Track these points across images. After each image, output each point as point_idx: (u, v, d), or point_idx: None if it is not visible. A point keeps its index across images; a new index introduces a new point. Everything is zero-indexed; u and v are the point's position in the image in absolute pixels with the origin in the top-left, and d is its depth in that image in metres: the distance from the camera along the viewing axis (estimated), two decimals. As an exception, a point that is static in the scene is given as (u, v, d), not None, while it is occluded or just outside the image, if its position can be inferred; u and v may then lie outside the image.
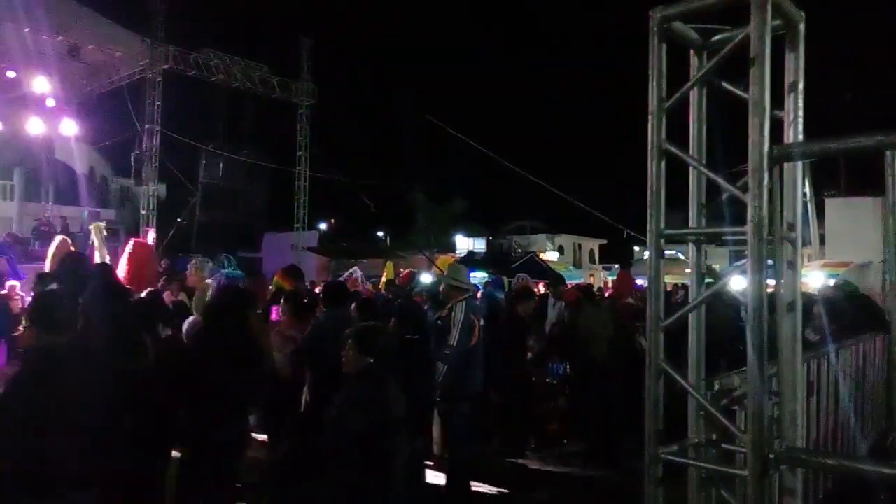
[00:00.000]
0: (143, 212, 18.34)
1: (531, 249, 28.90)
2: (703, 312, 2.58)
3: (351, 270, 13.63)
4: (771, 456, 2.07)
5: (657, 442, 2.25)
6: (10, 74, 16.03)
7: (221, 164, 20.18)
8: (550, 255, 31.34)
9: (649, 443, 2.26)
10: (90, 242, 7.76)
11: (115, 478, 3.39)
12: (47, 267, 6.29)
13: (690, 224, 2.61)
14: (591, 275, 33.50)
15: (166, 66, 17.23)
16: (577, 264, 35.55)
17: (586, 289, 7.85)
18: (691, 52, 2.64)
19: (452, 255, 28.02)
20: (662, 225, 2.36)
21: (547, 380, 7.03)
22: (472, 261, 21.98)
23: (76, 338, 3.29)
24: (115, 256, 12.00)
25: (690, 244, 2.62)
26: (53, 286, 4.56)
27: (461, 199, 33.01)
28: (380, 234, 39.13)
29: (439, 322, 5.39)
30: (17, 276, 9.49)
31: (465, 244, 33.20)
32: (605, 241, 38.51)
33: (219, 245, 18.22)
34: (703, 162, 2.55)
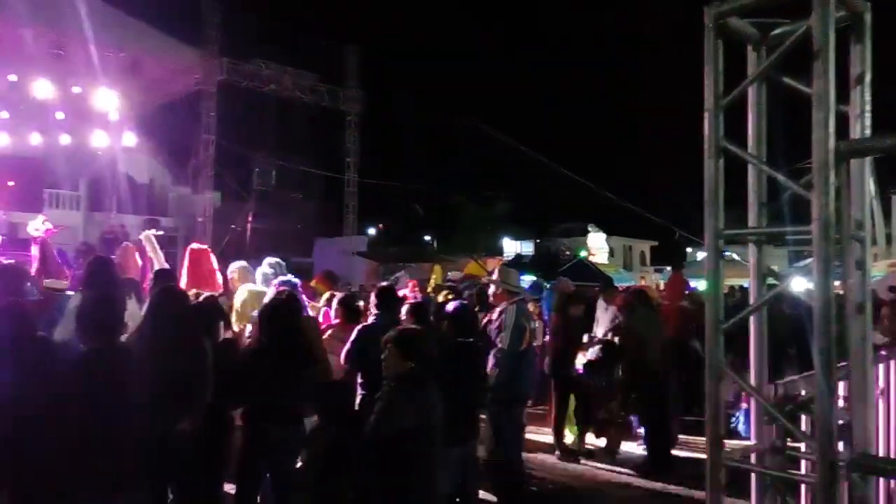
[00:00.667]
0: (199, 219, 18.97)
1: (581, 251, 28.58)
2: (765, 314, 2.51)
3: (398, 275, 13.75)
4: (841, 463, 1.99)
5: (720, 447, 2.20)
6: (76, 90, 16.80)
7: (274, 172, 20.68)
8: (600, 258, 30.89)
9: (711, 448, 2.21)
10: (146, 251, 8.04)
11: (172, 477, 3.53)
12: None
13: (750, 224, 2.55)
14: (643, 277, 32.85)
15: (220, 79, 17.80)
16: (628, 267, 34.93)
17: (640, 292, 7.70)
18: (749, 47, 2.58)
19: (499, 258, 27.95)
20: (721, 224, 2.31)
21: (602, 384, 6.93)
22: (519, 264, 21.86)
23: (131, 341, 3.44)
24: (174, 263, 12.44)
25: (750, 244, 2.55)
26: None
27: (508, 201, 32.86)
28: (427, 238, 39.36)
29: (490, 326, 5.40)
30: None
31: (512, 247, 33.06)
32: (656, 243, 37.71)
33: (272, 251, 18.67)
34: (763, 160, 2.48)
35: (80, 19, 13.84)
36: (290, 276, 7.02)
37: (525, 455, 5.68)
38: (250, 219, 20.13)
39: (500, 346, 5.10)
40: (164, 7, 19.15)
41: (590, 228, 29.14)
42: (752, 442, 2.45)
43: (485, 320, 5.54)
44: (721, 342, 2.30)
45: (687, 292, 10.20)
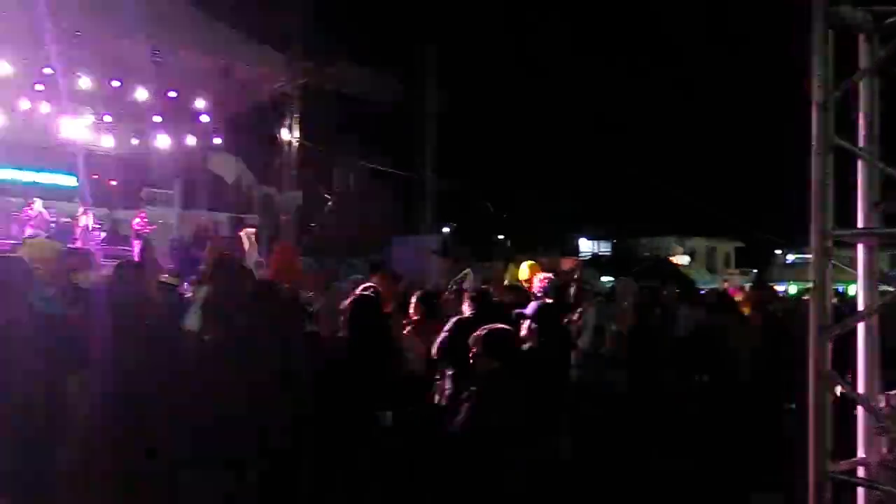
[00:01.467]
0: (282, 217, 19.69)
1: (660, 252, 27.69)
2: (876, 320, 2.36)
3: (465, 272, 13.69)
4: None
5: (825, 459, 2.09)
6: (172, 94, 17.85)
7: (353, 172, 21.19)
8: (681, 259, 29.81)
9: (816, 460, 2.10)
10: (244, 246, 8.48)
11: (271, 460, 3.70)
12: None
13: (860, 224, 2.40)
14: (726, 280, 31.49)
15: (304, 81, 18.40)
16: (711, 269, 33.53)
17: (724, 295, 7.41)
18: (861, 37, 2.43)
19: (574, 258, 27.52)
20: (830, 225, 2.19)
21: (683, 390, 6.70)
22: (596, 264, 21.44)
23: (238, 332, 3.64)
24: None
25: (860, 246, 2.41)
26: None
27: (585, 200, 32.30)
28: (500, 237, 39.23)
29: (570, 326, 5.34)
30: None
31: (588, 247, 32.47)
32: (741, 244, 36.01)
33: (350, 249, 19.17)
34: (877, 156, 2.33)
35: (177, 28, 14.68)
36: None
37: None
38: (331, 218, 20.73)
39: (580, 346, 5.04)
40: (252, 14, 20.03)
41: (675, 245, 28.31)
42: (860, 456, 2.31)
43: (565, 321, 5.48)
44: (828, 349, 2.18)
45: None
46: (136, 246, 16.15)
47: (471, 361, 3.14)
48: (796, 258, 33.72)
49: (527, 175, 34.12)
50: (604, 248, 33.04)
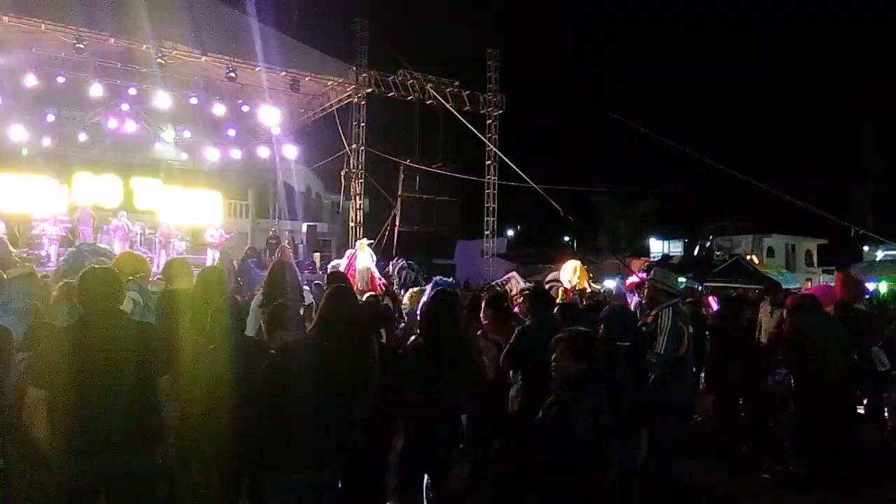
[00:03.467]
0: (351, 224, 20.12)
1: (735, 252, 26.56)
2: None
3: (509, 275, 13.59)
4: None
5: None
6: (245, 108, 18.61)
7: (417, 178, 21.41)
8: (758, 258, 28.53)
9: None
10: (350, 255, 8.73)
11: (347, 460, 3.78)
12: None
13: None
14: (809, 279, 29.89)
15: (369, 90, 18.76)
16: (791, 267, 31.90)
17: (812, 294, 7.04)
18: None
19: (645, 258, 26.79)
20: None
21: (774, 393, 6.42)
22: (667, 265, 20.81)
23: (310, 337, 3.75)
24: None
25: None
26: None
27: (654, 198, 31.37)
28: (566, 238, 38.69)
29: (644, 328, 5.19)
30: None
31: (659, 247, 31.53)
32: (825, 241, 34.06)
33: (417, 253, 19.38)
34: None
35: (249, 46, 15.29)
36: (443, 277, 7.30)
37: (688, 465, 5.40)
38: (396, 223, 21.03)
39: (656, 350, 4.89)
40: (318, 26, 20.62)
41: (751, 241, 27.05)
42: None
43: (639, 324, 5.34)
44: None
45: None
46: (212, 254, 16.91)
47: (552, 364, 3.10)
48: (885, 255, 31.62)
49: (594, 175, 33.57)
50: (675, 248, 31.97)
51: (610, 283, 16.10)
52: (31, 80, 15.32)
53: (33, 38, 14.07)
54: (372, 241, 8.03)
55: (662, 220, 31.80)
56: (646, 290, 5.48)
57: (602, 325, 4.57)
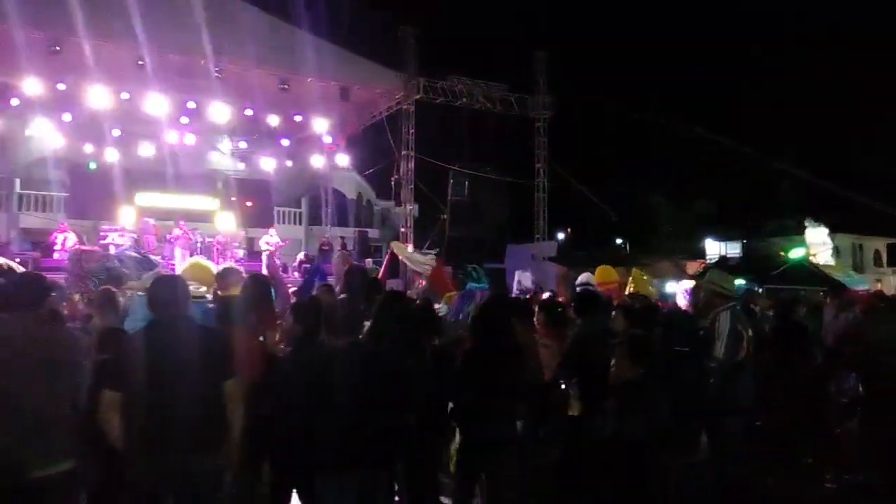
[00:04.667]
0: (401, 230, 20.33)
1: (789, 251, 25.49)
2: None
3: (584, 278, 13.38)
4: None
5: None
6: (298, 119, 19.08)
7: (467, 182, 21.46)
8: (822, 258, 27.31)
9: None
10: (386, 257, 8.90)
11: (402, 463, 3.84)
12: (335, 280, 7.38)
13: None
14: (878, 280, 28.44)
15: (418, 97, 18.95)
16: (858, 268, 30.42)
17: (886, 296, 6.73)
18: None
19: (701, 260, 26.07)
20: None
21: (842, 399, 6.16)
22: (725, 267, 20.17)
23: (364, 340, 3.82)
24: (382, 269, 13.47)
25: None
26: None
27: (709, 199, 30.49)
28: (618, 241, 37.98)
29: (701, 332, 5.08)
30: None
31: (715, 248, 30.58)
32: (894, 241, 32.39)
33: (467, 257, 19.40)
34: None
35: (301, 57, 15.70)
36: (478, 281, 7.32)
37: (748, 472, 5.24)
38: (446, 227, 21.12)
39: (714, 354, 4.77)
40: (367, 35, 20.97)
41: (807, 224, 25.92)
42: None
43: (697, 327, 5.22)
44: None
45: None
46: (266, 260, 17.39)
47: (612, 368, 3.07)
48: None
49: (646, 175, 32.91)
50: (732, 249, 30.97)
51: (668, 287, 15.72)
52: (97, 98, 16.13)
53: (99, 56, 14.80)
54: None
55: (719, 220, 30.86)
56: (702, 294, 5.35)
57: (660, 330, 4.49)
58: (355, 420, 3.20)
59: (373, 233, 24.57)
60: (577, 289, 9.90)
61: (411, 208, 20.25)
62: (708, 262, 23.67)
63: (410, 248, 14.59)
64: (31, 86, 15.26)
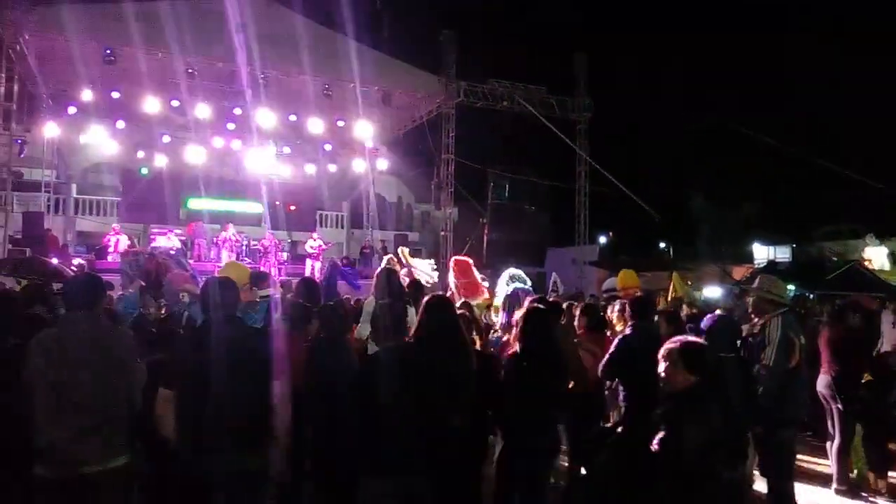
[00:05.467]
0: (441, 233, 20.40)
1: (850, 257, 24.54)
2: None
3: (610, 283, 13.11)
4: None
5: None
6: (340, 124, 19.36)
7: (507, 185, 21.43)
8: (877, 264, 26.25)
9: None
10: (403, 265, 9.00)
11: (445, 466, 3.84)
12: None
13: None
14: (938, 286, 27.14)
15: (458, 101, 19.00)
16: (915, 273, 29.09)
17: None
18: None
19: (749, 265, 25.34)
20: None
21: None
22: (774, 272, 19.57)
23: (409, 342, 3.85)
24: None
25: None
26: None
27: (757, 202, 29.61)
28: (662, 245, 37.21)
29: (750, 339, 4.94)
30: (356, 287, 11.72)
31: (763, 253, 29.66)
32: (956, 245, 30.85)
33: (506, 261, 19.34)
34: None
35: (344, 63, 15.94)
36: (523, 284, 7.28)
37: (797, 485, 5.07)
38: (486, 231, 21.09)
39: (764, 362, 4.64)
40: (408, 40, 21.15)
41: (868, 241, 24.88)
42: None
43: (744, 334, 5.09)
44: None
45: None
46: (311, 264, 17.68)
47: (661, 375, 3.00)
48: None
49: (690, 177, 32.20)
50: (781, 254, 30.00)
51: (711, 292, 15.36)
52: (149, 105, 16.71)
53: (151, 65, 15.33)
54: (409, 250, 8.21)
55: (767, 224, 29.94)
56: (751, 299, 5.21)
57: (705, 336, 4.39)
58: (400, 424, 3.22)
59: (413, 236, 24.72)
60: (604, 294, 9.75)
61: (451, 211, 20.28)
62: (756, 266, 22.98)
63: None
64: (88, 95, 15.91)
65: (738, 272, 22.54)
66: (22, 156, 16.41)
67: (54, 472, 3.18)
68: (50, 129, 17.32)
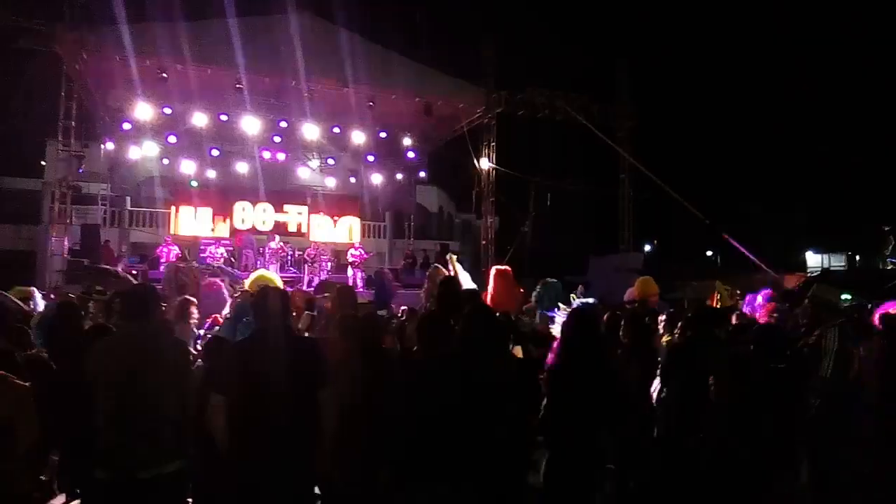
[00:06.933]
0: (482, 243, 20.38)
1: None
2: None
3: (628, 295, 12.78)
4: None
5: None
6: (382, 135, 19.60)
7: (548, 194, 21.29)
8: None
9: None
10: (449, 270, 8.98)
11: (490, 473, 3.83)
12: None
13: None
14: None
15: (499, 110, 19.00)
16: (983, 281, 27.63)
17: None
18: None
19: (801, 274, 24.51)
20: None
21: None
22: (829, 281, 18.87)
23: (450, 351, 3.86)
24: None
25: None
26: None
27: (810, 208, 28.69)
28: (709, 252, 36.32)
29: (805, 350, 4.78)
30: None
31: (816, 260, 28.70)
32: None
33: (549, 270, 19.18)
34: None
35: (386, 75, 16.18)
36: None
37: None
38: (527, 240, 20.96)
39: (820, 374, 4.47)
40: (448, 51, 21.31)
41: None
42: None
43: (799, 344, 4.92)
44: None
45: None
46: (354, 274, 17.90)
47: (714, 385, 2.93)
48: None
49: (741, 182, 31.40)
50: (836, 261, 28.94)
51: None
52: (199, 120, 17.27)
53: (201, 81, 15.86)
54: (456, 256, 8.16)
55: (820, 230, 28.96)
56: (806, 309, 5.04)
57: (753, 347, 4.26)
58: (443, 429, 3.23)
59: (454, 246, 24.77)
60: (626, 304, 9.52)
61: (492, 221, 20.26)
62: (809, 275, 22.20)
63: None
64: (141, 111, 16.54)
65: (790, 281, 21.81)
66: (81, 171, 17.13)
67: (111, 475, 3.30)
68: (105, 145, 18.05)
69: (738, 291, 14.64)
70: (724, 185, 31.63)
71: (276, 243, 18.11)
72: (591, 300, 5.05)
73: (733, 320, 7.35)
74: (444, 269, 7.59)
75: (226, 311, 6.50)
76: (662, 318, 6.18)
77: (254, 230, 19.98)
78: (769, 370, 4.10)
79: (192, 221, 20.46)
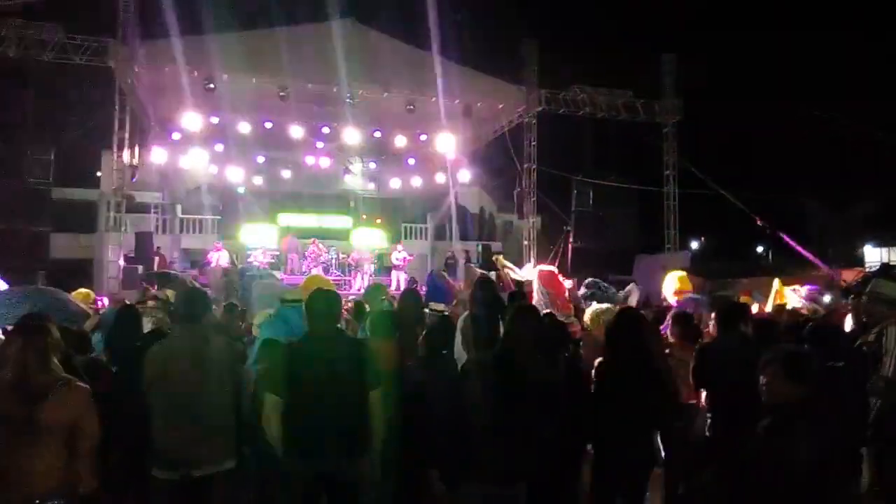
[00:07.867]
0: (525, 242, 20.26)
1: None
2: None
3: (629, 288, 12.35)
4: None
5: None
6: (423, 138, 19.71)
7: (591, 192, 20.98)
8: None
9: None
10: (500, 268, 9.04)
11: (538, 476, 3.81)
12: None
13: None
14: None
15: (540, 109, 18.86)
16: None
17: None
18: None
19: (860, 269, 23.55)
20: None
21: None
22: (889, 276, 18.04)
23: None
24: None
25: None
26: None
27: (869, 201, 27.48)
28: (759, 249, 35.22)
29: (865, 348, 4.59)
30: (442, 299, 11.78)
31: (876, 255, 27.49)
32: None
33: (592, 270, 18.93)
34: None
35: (426, 78, 16.27)
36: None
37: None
38: (570, 239, 20.72)
39: (882, 373, 4.29)
40: (488, 51, 21.27)
41: None
42: None
43: (858, 342, 4.73)
44: None
45: None
46: (396, 275, 18.05)
47: (763, 389, 2.83)
48: None
49: (795, 175, 30.33)
50: (896, 256, 27.64)
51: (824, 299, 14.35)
52: (244, 128, 17.72)
53: (246, 90, 16.26)
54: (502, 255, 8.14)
55: (881, 224, 27.69)
56: (865, 305, 4.84)
57: (809, 344, 4.11)
58: (494, 431, 3.23)
59: (496, 246, 24.68)
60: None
61: (534, 220, 20.12)
62: (867, 270, 21.29)
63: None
64: (190, 121, 17.06)
65: (848, 276, 20.97)
66: (134, 180, 17.76)
67: (168, 474, 3.42)
68: (157, 155, 18.68)
69: (798, 288, 14.12)
70: (777, 178, 30.62)
71: (318, 248, 18.42)
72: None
73: (784, 318, 7.14)
74: (476, 269, 7.61)
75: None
76: (712, 316, 6.02)
77: (298, 234, 20.35)
78: (827, 369, 3.96)
79: (239, 227, 21.02)
